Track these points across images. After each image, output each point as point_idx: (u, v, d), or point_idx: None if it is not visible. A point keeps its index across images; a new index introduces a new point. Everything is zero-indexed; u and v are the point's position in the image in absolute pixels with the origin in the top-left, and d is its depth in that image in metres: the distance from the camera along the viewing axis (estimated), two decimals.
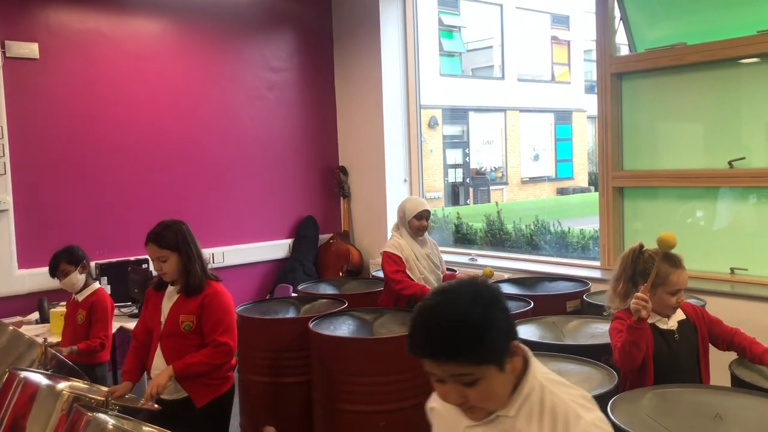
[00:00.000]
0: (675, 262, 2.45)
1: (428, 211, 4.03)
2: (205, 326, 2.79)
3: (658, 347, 2.42)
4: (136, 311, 4.66)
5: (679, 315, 2.53)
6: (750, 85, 3.94)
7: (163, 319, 2.85)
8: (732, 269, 3.94)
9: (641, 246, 2.55)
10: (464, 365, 1.29)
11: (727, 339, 2.53)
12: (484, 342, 1.29)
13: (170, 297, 2.87)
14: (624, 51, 4.57)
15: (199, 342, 2.80)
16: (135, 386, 2.89)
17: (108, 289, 4.87)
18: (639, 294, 2.36)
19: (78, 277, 3.65)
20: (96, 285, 3.74)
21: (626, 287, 2.52)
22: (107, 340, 3.62)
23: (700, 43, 4.00)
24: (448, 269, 4.69)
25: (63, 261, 3.62)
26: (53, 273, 3.64)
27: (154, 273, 4.89)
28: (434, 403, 1.56)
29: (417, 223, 3.97)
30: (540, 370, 1.41)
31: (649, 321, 2.49)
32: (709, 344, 2.59)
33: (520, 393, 1.37)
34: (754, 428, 2.03)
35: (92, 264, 4.91)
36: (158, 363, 2.82)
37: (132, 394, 2.82)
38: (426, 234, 4.11)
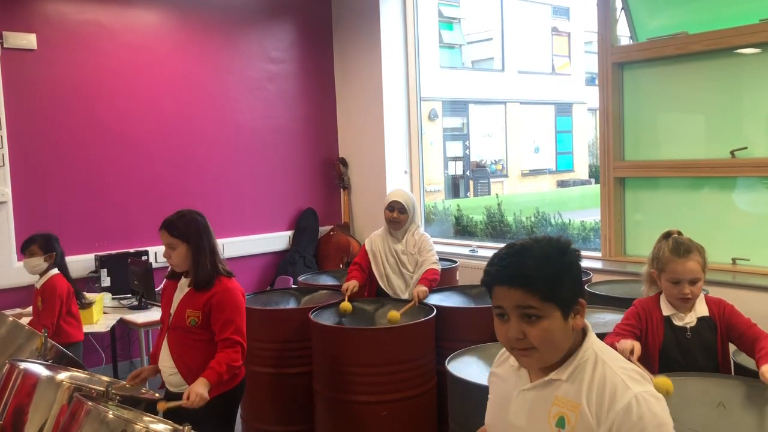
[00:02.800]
0: (678, 250, 2.39)
1: (399, 203, 3.76)
2: (214, 324, 2.73)
3: (668, 342, 2.37)
4: (135, 303, 4.65)
5: (702, 311, 2.43)
6: (752, 74, 3.92)
7: (172, 310, 2.82)
8: (734, 259, 3.93)
9: (668, 233, 2.51)
10: (532, 296, 1.34)
11: (747, 343, 2.36)
12: (557, 279, 1.36)
13: (182, 289, 2.83)
14: (625, 42, 4.54)
15: (204, 338, 2.74)
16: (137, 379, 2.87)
17: (108, 281, 4.87)
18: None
19: (39, 263, 3.75)
20: (53, 272, 3.79)
21: (647, 269, 2.53)
22: (52, 328, 3.60)
23: (701, 32, 3.98)
24: (447, 259, 4.66)
25: (36, 243, 3.73)
26: (23, 249, 3.77)
27: (155, 265, 4.92)
28: (496, 368, 1.62)
29: (388, 215, 3.80)
30: (596, 342, 1.44)
31: (666, 314, 2.43)
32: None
33: (575, 359, 1.40)
34: (756, 416, 2.02)
35: (92, 256, 4.93)
36: (164, 355, 2.80)
37: (145, 387, 2.79)
38: (417, 230, 3.85)
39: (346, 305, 3.49)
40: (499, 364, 1.61)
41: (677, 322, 2.43)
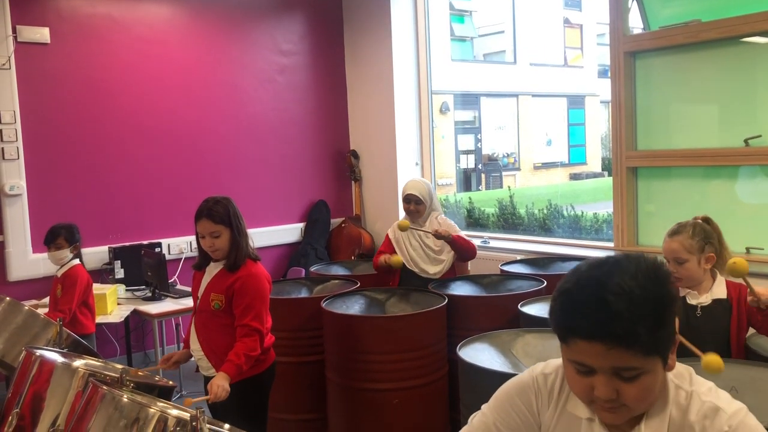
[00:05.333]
0: (671, 231, 2.43)
1: (415, 196, 3.83)
2: (235, 309, 2.75)
3: (678, 321, 2.37)
4: (149, 294, 4.69)
5: (719, 293, 2.43)
6: (766, 62, 3.88)
7: (200, 294, 2.85)
8: (748, 249, 3.90)
9: (693, 220, 2.51)
10: (635, 355, 1.07)
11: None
12: (661, 324, 1.08)
13: (209, 273, 2.85)
14: (637, 32, 4.51)
15: (228, 322, 2.76)
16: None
17: (121, 272, 4.92)
18: None
19: (66, 254, 3.87)
20: (75, 262, 3.90)
21: None
22: (69, 314, 3.69)
23: (714, 20, 3.94)
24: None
25: (61, 236, 3.85)
26: (48, 242, 3.87)
27: (168, 257, 4.95)
28: (553, 411, 1.27)
29: (405, 206, 3.89)
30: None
31: (681, 293, 2.44)
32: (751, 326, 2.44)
33: (661, 399, 1.19)
34: None
35: (106, 248, 4.98)
36: (192, 338, 2.84)
37: (155, 373, 2.82)
38: (439, 216, 3.94)
39: (398, 258, 3.76)
40: (557, 408, 1.27)
41: (690, 301, 2.44)
